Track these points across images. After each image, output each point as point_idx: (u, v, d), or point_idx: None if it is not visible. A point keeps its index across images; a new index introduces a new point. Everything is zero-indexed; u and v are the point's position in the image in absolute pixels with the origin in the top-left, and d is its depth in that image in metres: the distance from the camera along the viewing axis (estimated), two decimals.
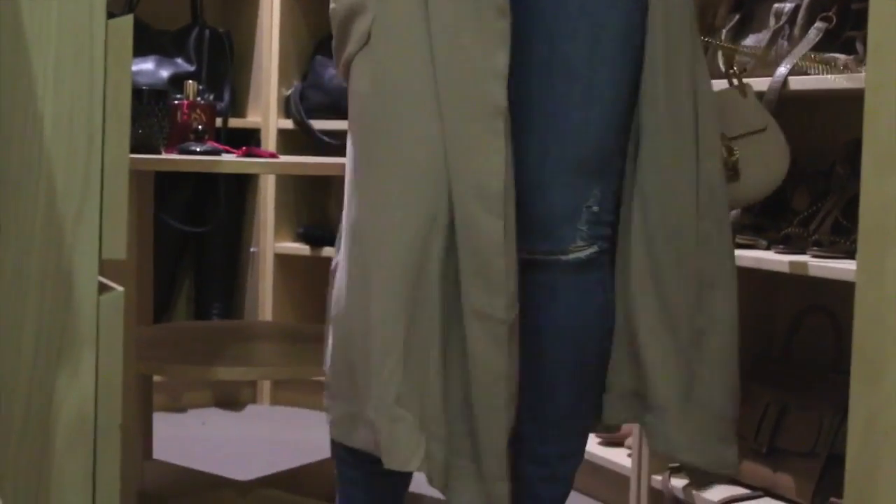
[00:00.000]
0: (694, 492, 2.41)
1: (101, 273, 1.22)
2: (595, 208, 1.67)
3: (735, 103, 1.95)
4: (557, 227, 1.66)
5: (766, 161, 1.90)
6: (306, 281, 3.64)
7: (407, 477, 1.71)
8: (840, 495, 2.12)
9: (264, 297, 3.61)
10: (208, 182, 3.63)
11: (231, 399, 3.61)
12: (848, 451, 1.32)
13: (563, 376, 1.69)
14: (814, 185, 2.37)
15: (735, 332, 1.74)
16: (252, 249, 3.68)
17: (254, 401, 3.62)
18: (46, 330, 1.18)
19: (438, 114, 1.55)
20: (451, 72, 1.55)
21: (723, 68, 2.14)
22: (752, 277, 2.55)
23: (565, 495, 1.73)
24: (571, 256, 1.66)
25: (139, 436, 2.46)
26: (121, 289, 1.19)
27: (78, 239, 1.18)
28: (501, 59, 1.55)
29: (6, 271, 1.18)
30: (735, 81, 2.00)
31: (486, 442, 1.58)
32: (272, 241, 3.61)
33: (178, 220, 3.57)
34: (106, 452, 1.20)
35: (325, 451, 2.76)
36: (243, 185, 3.69)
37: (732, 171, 1.81)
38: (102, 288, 1.21)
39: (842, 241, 2.18)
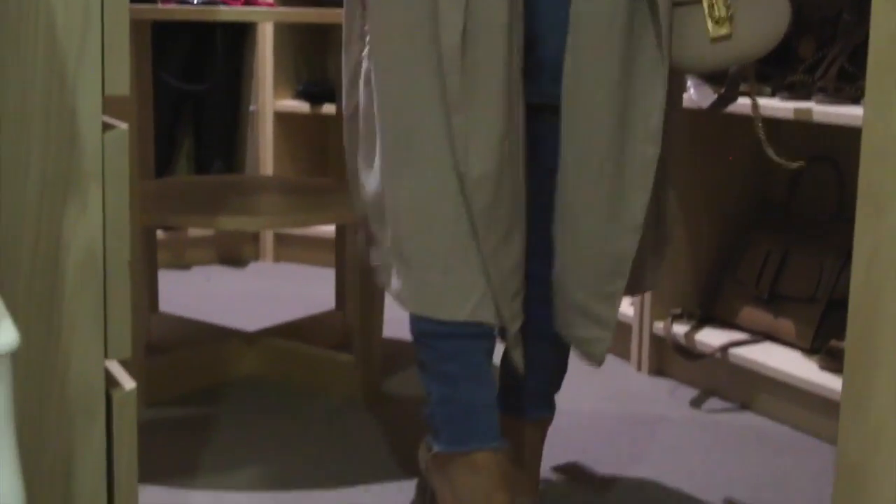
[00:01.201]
0: (695, 337, 2.44)
1: (105, 114, 1.22)
2: None
3: None
4: None
5: (762, 15, 1.87)
6: (306, 138, 3.63)
7: (490, 341, 1.68)
8: (840, 339, 2.16)
9: (264, 155, 3.60)
10: (206, 40, 3.59)
11: (234, 256, 3.63)
12: (851, 286, 1.34)
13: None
14: (820, 33, 2.35)
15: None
16: (251, 108, 3.65)
17: (257, 258, 3.64)
18: (52, 168, 1.18)
19: None
20: None
21: None
22: (754, 126, 2.54)
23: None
24: None
25: (145, 289, 2.48)
26: (125, 125, 1.19)
27: (80, 76, 1.17)
28: None
29: (9, 110, 1.17)
30: None
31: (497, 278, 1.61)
32: (271, 98, 3.58)
33: (177, 78, 3.54)
34: (116, 288, 1.21)
35: (329, 304, 2.79)
36: (241, 42, 3.65)
37: (728, 25, 1.77)
38: (106, 126, 1.21)
39: (847, 87, 2.16)
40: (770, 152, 1.91)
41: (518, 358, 1.68)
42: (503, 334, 1.66)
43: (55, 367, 1.22)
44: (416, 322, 1.66)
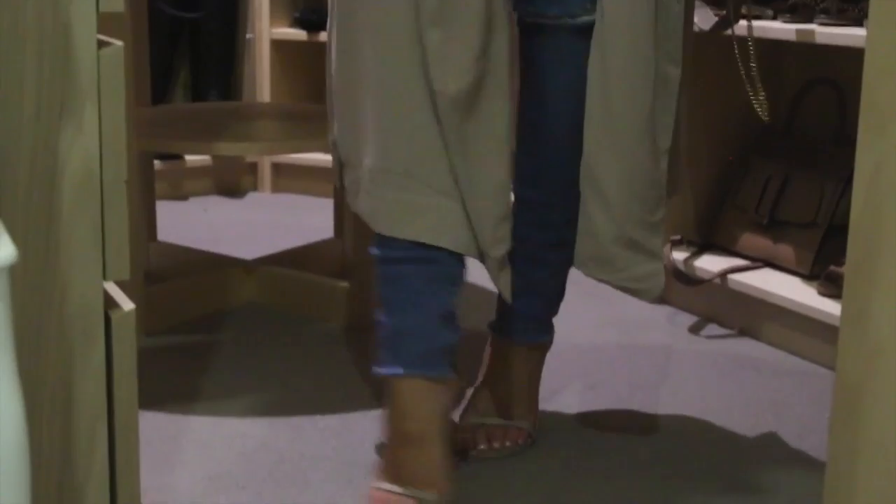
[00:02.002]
0: (695, 264, 2.44)
1: (100, 33, 1.20)
2: None
3: None
4: None
5: None
6: (303, 66, 3.60)
7: (446, 267, 1.63)
8: (839, 264, 2.15)
9: (261, 84, 3.58)
10: None
11: (232, 186, 3.62)
12: (852, 205, 1.33)
13: (567, 141, 1.68)
14: None
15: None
16: (248, 36, 3.62)
17: (255, 188, 3.63)
18: (47, 86, 1.16)
19: None
20: None
21: None
22: (757, 48, 2.52)
23: (570, 260, 1.74)
24: (580, 20, 1.63)
25: (143, 218, 2.47)
26: (120, 43, 1.17)
27: None
28: None
29: (3, 28, 1.15)
30: None
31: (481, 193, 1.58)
32: (268, 26, 3.55)
33: (172, 6, 3.50)
34: (113, 208, 1.20)
35: (327, 233, 2.79)
36: None
37: None
38: (101, 44, 1.19)
39: (850, 8, 2.14)
40: (751, 90, 1.89)
41: (503, 284, 1.64)
42: (483, 259, 1.62)
43: (53, 288, 1.21)
44: (371, 245, 1.63)
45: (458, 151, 1.55)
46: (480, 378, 1.87)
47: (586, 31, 1.63)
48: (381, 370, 1.62)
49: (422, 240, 1.56)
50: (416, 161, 1.55)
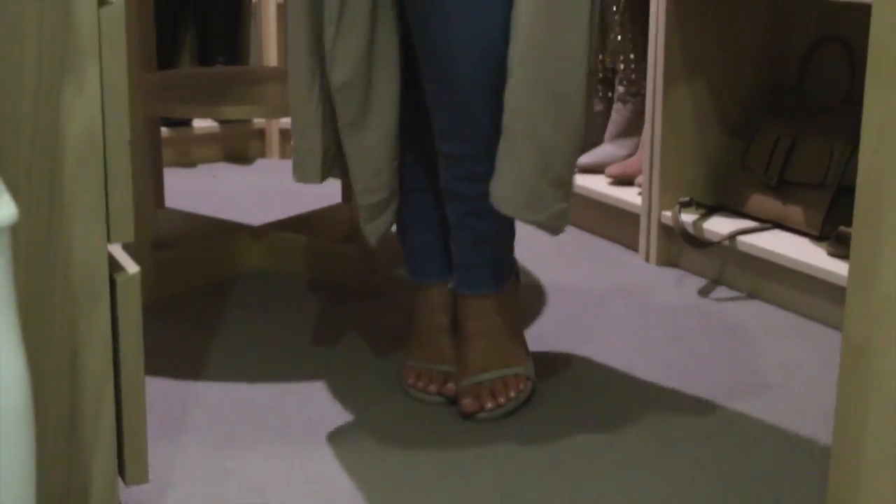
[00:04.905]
0: (703, 226, 2.43)
1: None
2: None
3: None
4: None
5: None
6: None
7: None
8: (849, 224, 2.14)
9: (268, 48, 3.56)
10: None
11: (240, 153, 3.61)
12: (860, 161, 1.32)
13: (477, 93, 1.68)
14: None
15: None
16: (254, 0, 3.60)
17: (263, 155, 3.62)
18: (48, 45, 1.16)
19: None
20: None
21: None
22: (765, 7, 2.50)
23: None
24: None
25: (150, 185, 2.47)
26: (121, 0, 1.16)
27: None
28: None
29: None
30: None
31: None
32: None
33: None
34: (116, 169, 1.20)
35: (335, 199, 2.78)
36: None
37: None
38: (102, 2, 1.18)
39: None
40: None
41: (370, 231, 1.83)
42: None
43: (57, 249, 1.21)
44: None
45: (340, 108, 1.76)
46: (460, 337, 1.87)
47: None
48: (414, 278, 1.95)
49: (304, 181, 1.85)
50: (306, 118, 1.80)
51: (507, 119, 1.66)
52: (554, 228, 1.78)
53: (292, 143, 1.86)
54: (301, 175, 1.86)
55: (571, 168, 1.76)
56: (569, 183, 1.76)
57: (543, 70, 1.66)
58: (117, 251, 1.34)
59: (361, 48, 1.72)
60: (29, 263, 1.20)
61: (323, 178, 1.85)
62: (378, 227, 1.85)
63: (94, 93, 1.17)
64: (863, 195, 1.33)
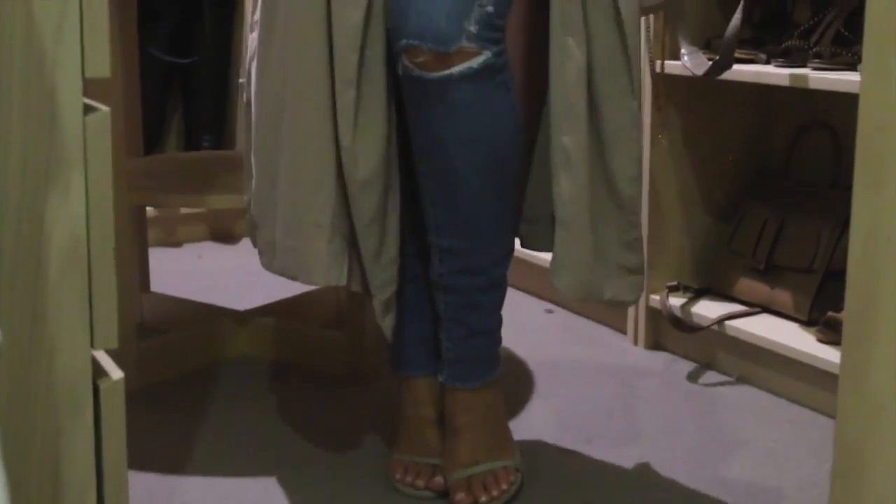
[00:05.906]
0: (691, 310, 2.42)
1: (87, 96, 1.19)
2: (489, 8, 1.62)
3: None
4: (442, 21, 1.60)
5: None
6: None
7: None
8: (837, 310, 2.13)
9: None
10: (193, 12, 3.54)
11: (226, 233, 3.60)
12: (849, 261, 1.31)
13: (479, 185, 1.68)
14: None
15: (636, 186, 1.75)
16: (241, 80, 3.61)
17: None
18: (33, 153, 1.15)
19: None
20: None
21: None
22: (751, 93, 2.51)
23: (503, 297, 1.79)
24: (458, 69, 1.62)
25: (136, 269, 2.45)
26: (106, 108, 1.15)
27: (59, 57, 1.14)
28: None
29: None
30: None
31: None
32: None
33: (164, 51, 3.50)
34: (101, 276, 1.18)
35: None
36: (229, 14, 3.61)
37: None
38: (88, 109, 1.18)
39: (843, 52, 2.13)
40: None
41: (388, 325, 1.79)
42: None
43: (40, 358, 1.19)
44: None
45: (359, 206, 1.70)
46: (449, 429, 1.85)
47: (473, 76, 1.62)
48: (401, 371, 1.91)
49: (319, 284, 1.75)
50: (322, 212, 1.69)
51: (564, 212, 1.70)
52: (624, 304, 1.83)
53: (274, 239, 1.76)
54: (317, 277, 1.74)
55: (628, 250, 1.78)
56: (631, 265, 1.78)
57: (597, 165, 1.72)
58: (99, 353, 1.32)
59: (381, 144, 1.67)
60: (11, 373, 1.18)
61: (347, 279, 1.75)
62: (393, 320, 1.81)
63: (79, 200, 1.16)
64: (853, 295, 1.33)
